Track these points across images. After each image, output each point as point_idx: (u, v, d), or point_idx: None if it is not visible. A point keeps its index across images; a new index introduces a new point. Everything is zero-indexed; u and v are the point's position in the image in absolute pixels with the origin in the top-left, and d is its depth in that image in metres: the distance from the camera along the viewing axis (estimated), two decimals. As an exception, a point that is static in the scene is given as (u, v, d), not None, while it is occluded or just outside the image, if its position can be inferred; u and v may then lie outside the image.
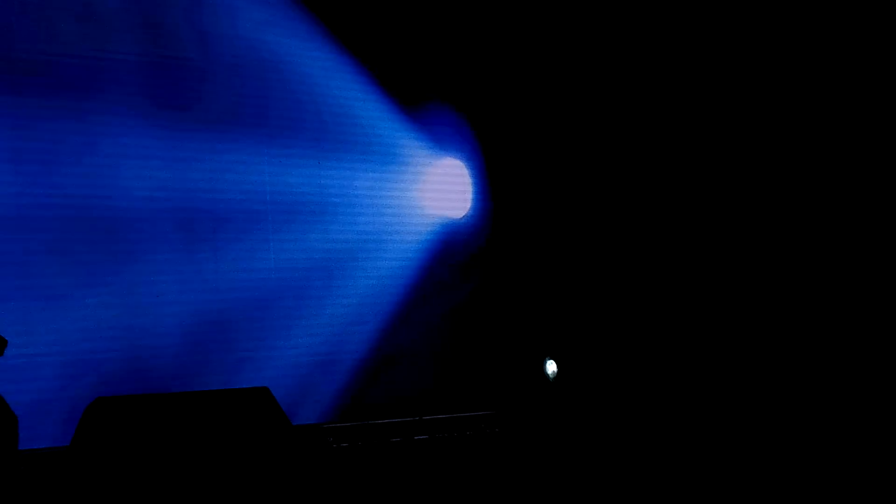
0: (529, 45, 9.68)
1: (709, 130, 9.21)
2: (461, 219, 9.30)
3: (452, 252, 9.20)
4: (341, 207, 8.65)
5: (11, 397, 5.33)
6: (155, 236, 7.72)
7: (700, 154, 9.41)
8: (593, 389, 8.95)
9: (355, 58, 8.74)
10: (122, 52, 7.71)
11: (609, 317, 9.29)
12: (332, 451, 7.78)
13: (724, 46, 8.95)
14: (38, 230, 7.22)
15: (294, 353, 8.20)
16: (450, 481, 5.62)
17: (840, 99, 9.02)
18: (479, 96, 9.50)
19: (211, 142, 8.01)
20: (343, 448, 8.02)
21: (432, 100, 9.22)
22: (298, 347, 8.24)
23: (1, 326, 5.77)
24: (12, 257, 7.10)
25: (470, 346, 9.09)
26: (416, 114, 9.10)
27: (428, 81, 9.22)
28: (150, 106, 7.75)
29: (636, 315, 9.31)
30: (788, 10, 8.89)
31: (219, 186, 8.06)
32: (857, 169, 9.00)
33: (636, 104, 9.60)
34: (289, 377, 8.08)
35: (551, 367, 8.74)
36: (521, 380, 8.83)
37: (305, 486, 5.48)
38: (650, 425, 8.46)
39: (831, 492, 5.67)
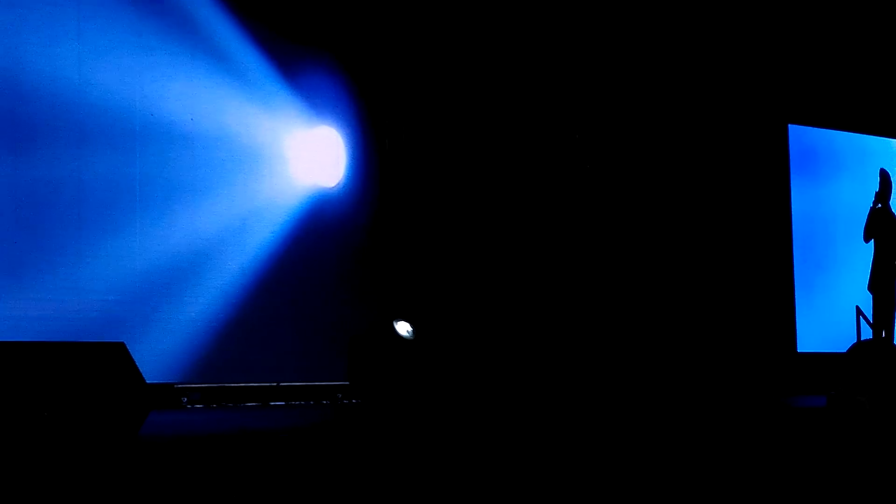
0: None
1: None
2: (333, 188, 9.09)
3: (324, 222, 8.99)
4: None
5: None
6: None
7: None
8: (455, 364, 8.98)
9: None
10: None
11: (478, 286, 9.29)
12: (186, 412, 7.60)
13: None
14: None
15: (151, 311, 7.96)
16: (305, 452, 5.53)
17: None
18: (364, 51, 9.23)
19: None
20: (197, 409, 7.84)
21: (310, 53, 8.92)
22: (158, 305, 8.01)
23: None
24: None
25: (330, 314, 8.96)
26: (293, 69, 8.83)
27: (309, 32, 8.92)
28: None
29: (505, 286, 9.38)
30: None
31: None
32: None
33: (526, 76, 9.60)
34: (148, 335, 7.84)
35: (404, 329, 8.59)
36: (376, 351, 8.74)
37: (158, 445, 5.33)
38: (510, 394, 8.56)
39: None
